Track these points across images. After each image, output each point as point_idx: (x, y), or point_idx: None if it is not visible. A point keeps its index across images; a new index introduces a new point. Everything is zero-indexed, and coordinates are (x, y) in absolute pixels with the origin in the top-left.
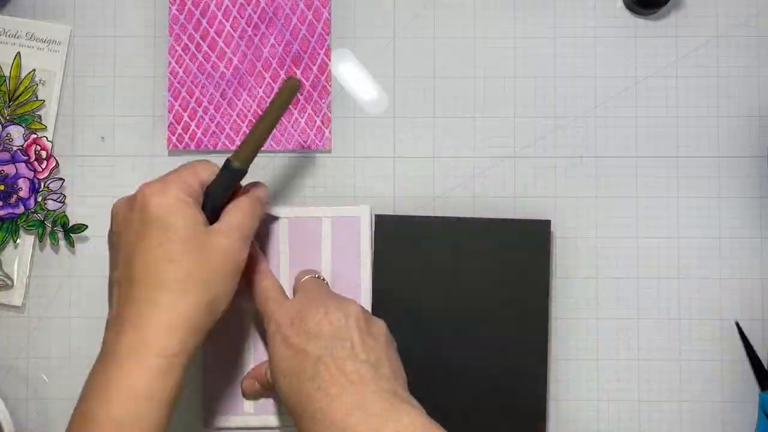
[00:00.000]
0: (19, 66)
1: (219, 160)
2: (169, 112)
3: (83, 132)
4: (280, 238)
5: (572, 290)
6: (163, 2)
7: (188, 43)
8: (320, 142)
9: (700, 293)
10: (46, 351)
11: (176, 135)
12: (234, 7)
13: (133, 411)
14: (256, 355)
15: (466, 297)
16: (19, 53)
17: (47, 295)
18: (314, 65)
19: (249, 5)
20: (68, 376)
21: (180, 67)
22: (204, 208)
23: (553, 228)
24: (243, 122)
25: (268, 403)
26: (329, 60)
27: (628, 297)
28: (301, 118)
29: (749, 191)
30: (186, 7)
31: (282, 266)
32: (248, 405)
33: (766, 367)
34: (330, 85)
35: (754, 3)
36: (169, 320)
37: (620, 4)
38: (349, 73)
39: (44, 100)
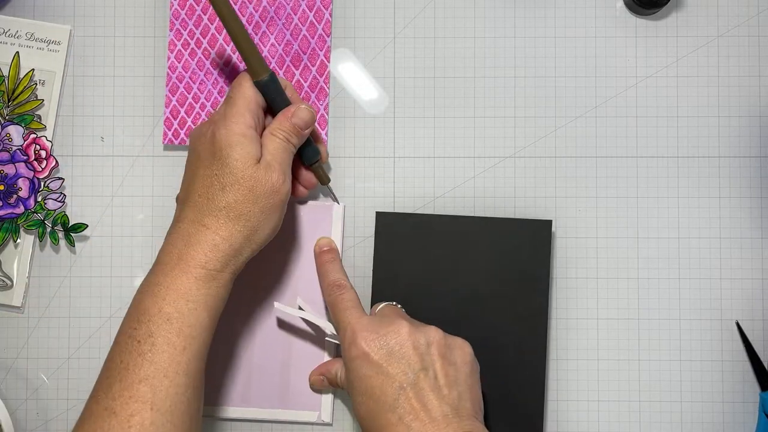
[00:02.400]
0: (17, 66)
1: None
2: (165, 106)
3: (83, 132)
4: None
5: (572, 290)
6: (162, 3)
7: (188, 39)
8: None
9: (700, 293)
10: (46, 351)
11: (172, 130)
12: (235, 4)
13: (178, 308)
14: (227, 346)
15: (466, 295)
16: (17, 53)
17: (47, 295)
18: (314, 66)
19: (250, 4)
20: (68, 377)
21: (179, 63)
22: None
23: (553, 228)
24: None
25: (253, 396)
26: (329, 61)
27: (628, 297)
28: None
29: (749, 191)
30: (187, 3)
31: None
32: (210, 395)
33: (766, 367)
34: (328, 87)
35: (754, 3)
36: (213, 241)
37: (620, 4)
38: (349, 73)
39: (43, 100)
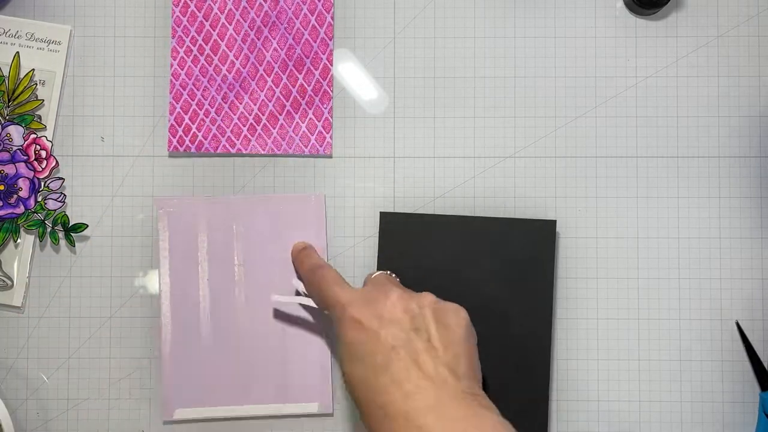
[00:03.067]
0: (18, 66)
1: (219, 164)
2: (170, 114)
3: (83, 132)
4: (234, 219)
5: (572, 290)
6: (163, 2)
7: (191, 45)
8: (321, 147)
9: (700, 293)
10: (46, 351)
11: (177, 137)
12: (237, 10)
13: None
14: (220, 345)
15: (470, 295)
16: (18, 53)
17: (47, 295)
18: (317, 70)
19: (252, 8)
20: (68, 376)
21: (182, 70)
22: None
23: None
24: (244, 126)
25: (252, 392)
26: (332, 65)
27: (628, 297)
28: (303, 123)
29: (749, 191)
30: (189, 10)
31: (236, 247)
32: (208, 397)
33: (766, 367)
34: (332, 90)
35: (754, 3)
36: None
37: (620, 4)
38: (350, 74)
39: (43, 100)
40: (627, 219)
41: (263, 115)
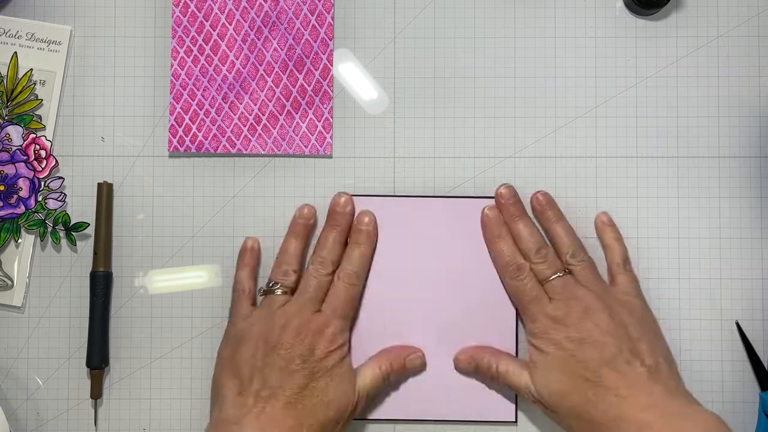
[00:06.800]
0: (16, 66)
1: (219, 164)
2: (170, 114)
3: (83, 132)
4: (436, 219)
5: None
6: (163, 3)
7: (191, 45)
8: (321, 147)
9: (700, 293)
10: (47, 351)
11: (177, 137)
12: (237, 10)
13: None
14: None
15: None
16: (15, 53)
17: (47, 295)
18: (317, 70)
19: (252, 9)
20: (68, 376)
21: (182, 70)
22: None
23: None
24: (245, 126)
25: (411, 401)
26: (332, 65)
27: None
28: (303, 123)
29: (749, 191)
30: (189, 10)
31: (440, 245)
32: (391, 399)
33: (766, 367)
34: (332, 90)
35: (754, 3)
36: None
37: (620, 4)
38: (350, 74)
39: (42, 100)
40: (627, 219)
41: (263, 115)
